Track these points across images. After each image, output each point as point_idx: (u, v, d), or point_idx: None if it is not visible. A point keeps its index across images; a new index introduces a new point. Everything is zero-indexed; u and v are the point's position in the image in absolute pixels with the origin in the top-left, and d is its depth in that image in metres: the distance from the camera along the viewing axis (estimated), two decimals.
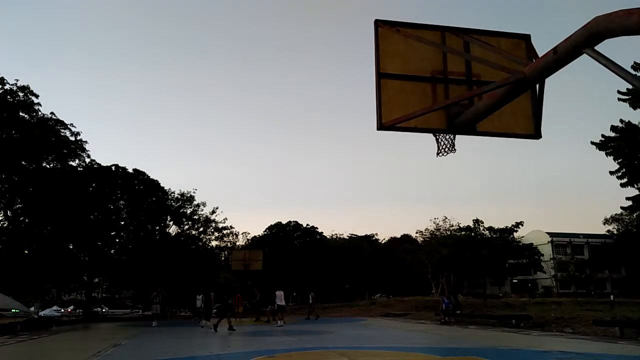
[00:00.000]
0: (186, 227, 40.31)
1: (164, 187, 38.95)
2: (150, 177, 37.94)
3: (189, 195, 40.15)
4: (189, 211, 40.18)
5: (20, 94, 27.27)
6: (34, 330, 20.22)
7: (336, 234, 59.47)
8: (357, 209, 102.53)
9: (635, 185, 25.29)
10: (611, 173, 25.69)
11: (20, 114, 27.33)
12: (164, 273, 33.52)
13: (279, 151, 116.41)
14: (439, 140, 5.31)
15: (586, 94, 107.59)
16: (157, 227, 38.59)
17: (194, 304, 40.96)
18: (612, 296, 38.22)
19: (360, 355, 10.31)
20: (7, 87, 26.73)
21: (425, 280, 51.57)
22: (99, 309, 42.35)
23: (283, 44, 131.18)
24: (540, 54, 4.69)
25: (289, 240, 48.30)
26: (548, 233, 64.21)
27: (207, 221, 40.94)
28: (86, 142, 30.68)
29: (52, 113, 29.01)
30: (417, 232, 53.89)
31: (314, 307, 28.45)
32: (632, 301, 34.65)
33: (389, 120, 4.86)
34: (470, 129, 5.12)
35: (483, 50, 5.14)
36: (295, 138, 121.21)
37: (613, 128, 25.10)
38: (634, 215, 34.66)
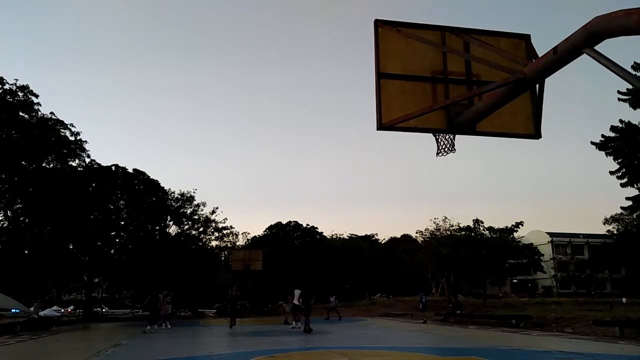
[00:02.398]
0: (186, 227, 40.28)
1: (164, 187, 38.93)
2: (150, 177, 37.92)
3: (189, 195, 40.14)
4: (189, 211, 40.16)
5: (20, 94, 27.24)
6: (34, 330, 20.20)
7: (336, 234, 59.54)
8: (357, 209, 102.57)
9: (635, 185, 25.25)
10: (611, 173, 25.67)
11: (20, 114, 27.31)
12: (164, 273, 33.50)
13: (279, 151, 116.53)
14: (439, 140, 5.31)
15: (586, 94, 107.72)
16: (157, 227, 38.55)
17: (195, 304, 41.10)
18: (624, 298, 36.51)
19: (360, 355, 10.31)
20: (6, 87, 26.71)
21: (425, 280, 51.57)
22: (99, 309, 42.34)
23: (283, 45, 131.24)
24: (540, 54, 4.69)
25: (289, 240, 48.25)
26: (548, 233, 64.21)
27: (207, 221, 40.91)
28: (86, 142, 30.66)
29: (51, 113, 29.01)
30: (417, 232, 54.05)
31: (336, 308, 28.48)
32: (633, 301, 34.68)
33: (389, 120, 4.86)
34: (470, 129, 5.12)
35: (483, 50, 5.14)
36: (296, 138, 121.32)
37: (613, 128, 25.06)
38: (634, 215, 34.62)
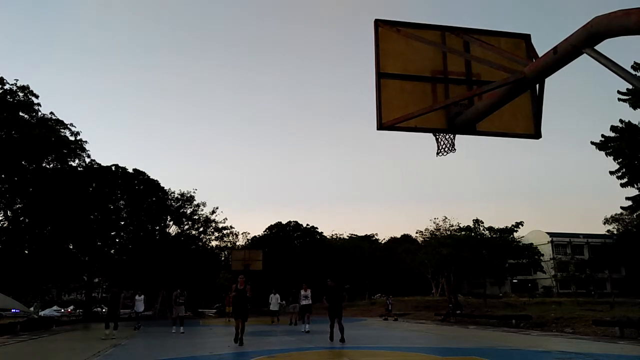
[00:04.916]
0: (186, 227, 40.32)
1: (164, 187, 38.99)
2: (150, 177, 37.97)
3: (189, 195, 40.18)
4: (189, 211, 40.19)
5: (20, 94, 27.25)
6: (34, 330, 20.21)
7: (336, 234, 59.56)
8: (357, 209, 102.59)
9: (635, 185, 25.24)
10: (611, 173, 25.65)
11: (20, 114, 27.31)
12: (164, 273, 33.50)
13: (279, 151, 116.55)
14: (439, 140, 5.31)
15: (586, 94, 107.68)
16: (157, 227, 38.58)
17: (195, 304, 41.04)
18: None
19: (360, 355, 10.31)
20: (7, 87, 26.71)
21: (425, 280, 51.58)
22: (99, 309, 42.37)
23: (282, 45, 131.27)
24: (540, 54, 4.69)
25: (289, 240, 48.28)
26: (548, 233, 64.20)
27: (207, 221, 40.95)
28: (86, 142, 30.67)
29: (51, 113, 28.99)
30: (417, 232, 54.05)
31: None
32: (632, 301, 34.64)
33: (389, 120, 4.86)
34: (470, 129, 5.12)
35: (483, 50, 5.14)
36: (296, 138, 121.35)
37: (613, 128, 25.05)
38: (634, 215, 34.58)
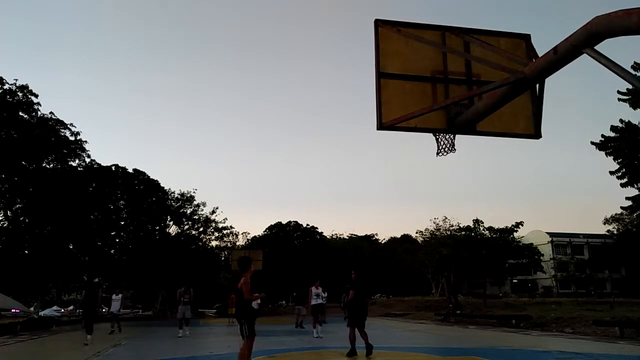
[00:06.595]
0: (186, 227, 40.34)
1: (164, 187, 39.03)
2: (150, 177, 38.01)
3: (189, 195, 40.22)
4: (189, 211, 40.22)
5: (20, 94, 27.23)
6: (34, 330, 20.21)
7: (336, 234, 59.62)
8: (357, 209, 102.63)
9: (635, 185, 25.20)
10: (611, 173, 25.62)
11: (20, 114, 27.30)
12: (164, 273, 33.49)
13: (279, 151, 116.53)
14: (439, 140, 5.31)
15: (586, 94, 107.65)
16: (157, 227, 38.60)
17: (195, 304, 41.04)
18: None
19: (360, 356, 10.31)
20: (6, 87, 26.69)
21: (425, 280, 51.62)
22: (99, 309, 42.36)
23: (282, 46, 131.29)
24: (540, 54, 4.69)
25: (289, 240, 48.29)
26: (548, 233, 64.21)
27: (207, 221, 40.97)
28: (86, 142, 30.67)
29: (51, 113, 29.00)
30: (417, 232, 54.11)
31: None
32: (632, 301, 34.65)
33: (389, 120, 4.86)
34: (470, 129, 5.12)
35: (483, 50, 5.14)
36: (295, 138, 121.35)
37: (613, 128, 25.02)
38: (634, 215, 34.56)
